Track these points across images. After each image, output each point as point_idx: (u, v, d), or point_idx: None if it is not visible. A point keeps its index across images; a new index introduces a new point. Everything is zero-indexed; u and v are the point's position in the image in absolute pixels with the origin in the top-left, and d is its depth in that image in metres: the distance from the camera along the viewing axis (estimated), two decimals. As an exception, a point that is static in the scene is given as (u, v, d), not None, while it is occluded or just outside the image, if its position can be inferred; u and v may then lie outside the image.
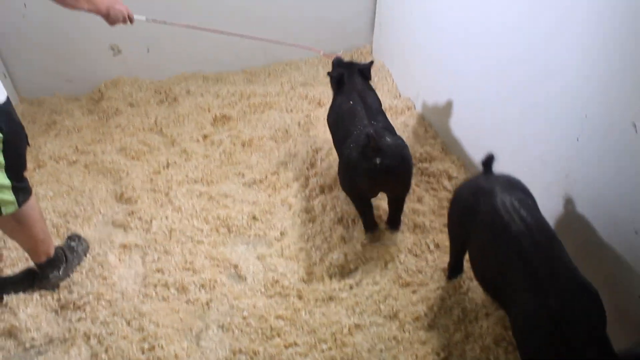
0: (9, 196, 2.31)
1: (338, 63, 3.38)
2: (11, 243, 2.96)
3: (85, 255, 2.91)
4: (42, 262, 2.67)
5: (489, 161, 2.31)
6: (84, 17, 4.15)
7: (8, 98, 2.22)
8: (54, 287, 2.72)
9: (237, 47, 4.69)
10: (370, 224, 2.92)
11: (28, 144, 2.45)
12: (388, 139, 2.66)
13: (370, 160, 2.57)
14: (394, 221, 2.95)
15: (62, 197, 3.35)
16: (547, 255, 1.91)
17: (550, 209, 2.52)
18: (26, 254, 2.88)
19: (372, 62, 3.35)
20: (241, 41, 4.08)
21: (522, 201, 2.09)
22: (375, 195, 2.87)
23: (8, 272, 2.83)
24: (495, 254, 2.06)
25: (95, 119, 4.23)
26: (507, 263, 1.97)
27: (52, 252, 2.69)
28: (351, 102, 3.01)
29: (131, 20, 2.89)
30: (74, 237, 2.96)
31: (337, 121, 3.07)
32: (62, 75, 4.51)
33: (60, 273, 2.73)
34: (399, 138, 2.80)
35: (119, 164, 3.63)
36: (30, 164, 3.63)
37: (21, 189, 2.38)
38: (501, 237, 2.01)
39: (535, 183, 2.60)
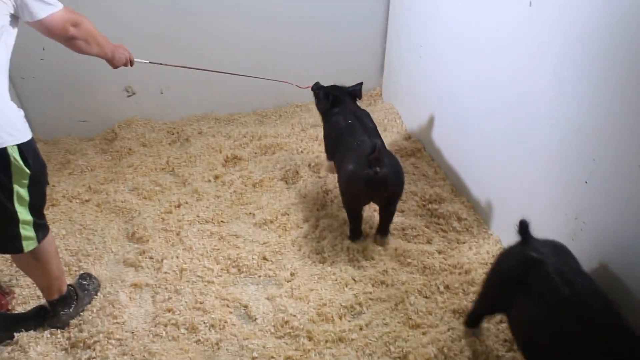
0: (31, 232, 2.36)
1: (321, 87, 3.73)
2: (24, 281, 2.99)
3: (96, 294, 2.92)
4: (54, 300, 2.68)
5: (524, 228, 2.21)
6: (100, 60, 4.28)
7: (32, 136, 2.27)
8: (64, 325, 2.73)
9: (248, 89, 4.76)
10: (357, 232, 3.22)
11: (47, 182, 2.49)
12: (386, 153, 3.03)
13: (372, 169, 2.85)
14: (384, 229, 3.20)
15: (74, 235, 3.38)
16: (608, 322, 1.85)
17: (560, 251, 2.53)
18: (38, 292, 2.90)
19: (361, 83, 3.74)
20: (253, 84, 4.15)
21: (576, 270, 2.05)
22: (368, 203, 3.18)
23: (19, 309, 2.84)
24: (552, 326, 1.96)
25: (108, 158, 4.29)
26: (569, 335, 1.89)
27: (64, 289, 2.71)
28: (349, 120, 3.36)
29: (132, 62, 3.00)
30: (85, 276, 2.98)
31: (339, 137, 3.34)
32: (77, 115, 4.59)
33: (71, 310, 2.75)
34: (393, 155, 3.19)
35: (131, 203, 3.67)
36: (44, 203, 3.68)
37: (41, 226, 2.43)
38: (561, 310, 1.94)
39: (544, 225, 2.62)
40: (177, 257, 3.14)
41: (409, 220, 3.34)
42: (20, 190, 2.23)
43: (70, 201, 3.74)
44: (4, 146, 2.09)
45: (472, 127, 3.34)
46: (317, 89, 3.81)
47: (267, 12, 4.56)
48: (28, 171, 2.21)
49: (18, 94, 4.33)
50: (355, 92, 3.72)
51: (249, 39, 4.64)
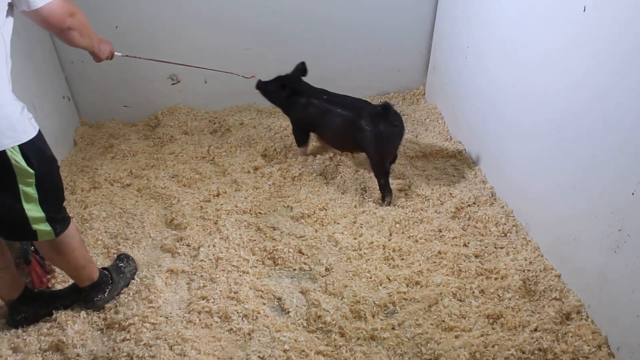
0: (45, 227, 2.33)
1: (267, 81, 3.95)
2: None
3: (133, 277, 2.96)
4: (85, 287, 2.73)
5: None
6: (145, 47, 4.34)
7: (40, 132, 2.22)
8: (99, 309, 2.77)
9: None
10: (389, 187, 3.61)
11: (59, 178, 2.47)
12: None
13: (394, 125, 3.48)
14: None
15: (114, 218, 3.44)
16: None
17: (599, 261, 2.49)
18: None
19: (302, 63, 3.94)
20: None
21: None
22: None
23: (59, 287, 2.90)
24: None
25: (150, 144, 4.35)
26: None
27: (95, 276, 2.74)
28: (324, 96, 3.80)
29: (113, 56, 2.96)
30: (122, 257, 3.02)
31: (321, 114, 3.74)
32: (122, 101, 4.67)
33: (106, 295, 2.79)
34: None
35: (170, 190, 3.71)
36: (86, 185, 3.76)
37: (58, 220, 2.40)
38: None
39: (586, 235, 2.58)
40: (214, 246, 3.17)
41: (446, 222, 3.31)
42: (27, 189, 2.19)
43: (112, 185, 3.80)
44: (1, 149, 2.03)
45: (514, 132, 3.29)
46: (265, 83, 3.96)
47: (314, 13, 4.58)
48: (31, 171, 2.15)
49: (66, 77, 4.42)
50: (302, 71, 3.94)
51: (296, 40, 4.67)
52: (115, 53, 2.99)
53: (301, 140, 4.09)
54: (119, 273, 2.89)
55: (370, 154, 3.59)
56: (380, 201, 3.58)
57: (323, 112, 3.74)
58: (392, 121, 3.47)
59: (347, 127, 3.60)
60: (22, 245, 2.91)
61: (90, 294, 2.73)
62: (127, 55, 3.25)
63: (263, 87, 3.95)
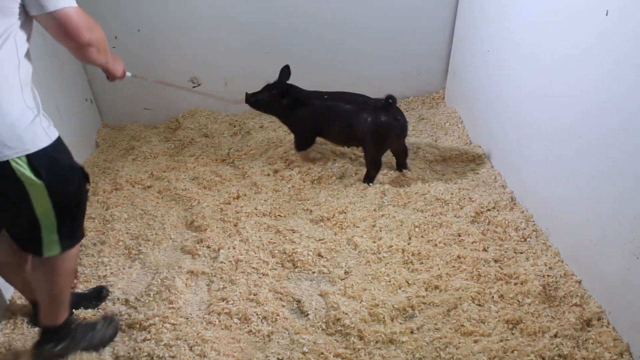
0: (54, 236, 2.15)
1: (258, 92, 3.93)
2: (86, 260, 3.11)
3: (103, 346, 2.60)
4: (43, 326, 2.45)
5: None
6: (168, 49, 4.39)
7: (57, 141, 2.08)
8: (45, 358, 2.48)
9: (311, 86, 4.77)
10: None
11: (88, 181, 2.29)
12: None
13: (396, 119, 3.63)
14: (405, 163, 3.99)
15: (135, 220, 3.48)
16: None
17: (620, 267, 2.47)
18: (99, 272, 3.01)
19: (286, 65, 3.93)
20: (315, 81, 4.17)
21: None
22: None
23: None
24: None
25: (171, 147, 4.39)
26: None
27: (59, 321, 2.43)
28: (325, 96, 3.85)
29: (124, 75, 2.84)
30: (107, 318, 2.70)
31: (325, 113, 3.80)
32: (143, 103, 4.73)
33: (58, 349, 2.45)
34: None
35: (191, 192, 3.74)
36: (108, 186, 3.80)
37: (68, 235, 2.21)
38: None
39: (608, 241, 2.57)
40: (234, 248, 3.20)
41: (465, 226, 3.31)
42: (39, 200, 2.03)
43: (133, 186, 3.85)
44: (3, 160, 1.90)
45: (534, 136, 3.28)
46: (255, 95, 3.92)
47: (335, 17, 4.61)
48: (39, 182, 1.98)
49: (89, 80, 4.48)
50: (287, 75, 3.94)
51: (316, 44, 4.71)
52: (128, 73, 2.93)
53: (305, 144, 4.09)
54: (85, 334, 2.56)
55: (367, 144, 3.75)
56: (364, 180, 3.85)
57: (328, 112, 3.78)
58: (395, 115, 3.63)
59: (352, 120, 3.69)
60: None
61: (43, 336, 2.45)
62: (135, 76, 3.13)
63: (253, 100, 3.91)
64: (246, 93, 3.88)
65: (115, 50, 4.35)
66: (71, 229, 2.22)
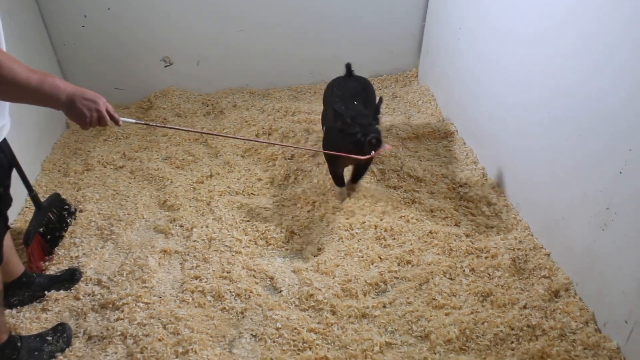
0: None
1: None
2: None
3: (54, 357, 2.42)
4: None
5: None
6: (139, 29, 4.34)
7: None
8: None
9: (284, 64, 4.80)
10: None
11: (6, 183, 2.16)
12: None
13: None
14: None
15: (107, 200, 3.45)
16: None
17: (587, 240, 2.51)
18: (71, 252, 2.98)
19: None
20: (288, 59, 4.17)
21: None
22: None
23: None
24: None
25: (143, 127, 4.35)
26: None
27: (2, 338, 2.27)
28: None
29: (117, 122, 2.12)
30: (58, 329, 2.51)
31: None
32: (115, 83, 4.66)
33: None
34: None
35: (163, 171, 3.73)
36: (79, 167, 3.77)
37: None
38: None
39: (574, 213, 2.61)
40: (207, 227, 3.19)
41: (437, 202, 3.33)
42: None
43: (105, 167, 3.82)
44: None
45: (506, 113, 3.31)
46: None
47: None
48: None
49: (58, 59, 4.40)
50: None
51: (289, 22, 4.65)
52: (124, 120, 2.20)
53: (342, 178, 3.43)
54: (32, 353, 2.36)
55: None
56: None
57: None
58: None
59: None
60: (28, 226, 2.90)
61: None
62: (136, 122, 2.34)
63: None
64: (376, 138, 2.85)
65: (85, 29, 4.29)
66: None
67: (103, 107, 1.98)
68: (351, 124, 2.92)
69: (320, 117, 4.27)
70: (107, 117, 2.01)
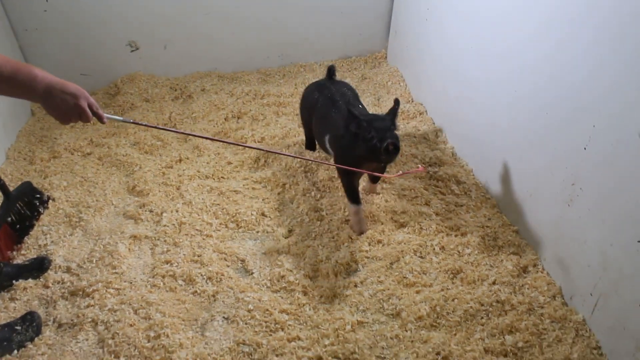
0: None
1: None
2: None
3: (23, 345, 2.37)
4: None
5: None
6: (104, 12, 4.26)
7: None
8: None
9: (253, 47, 4.76)
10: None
11: None
12: None
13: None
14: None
15: (75, 187, 3.41)
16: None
17: (553, 216, 2.55)
18: (40, 241, 2.95)
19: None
20: (256, 42, 4.13)
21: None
22: None
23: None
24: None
25: (110, 113, 4.29)
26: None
27: None
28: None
29: (101, 119, 2.03)
30: (26, 318, 2.44)
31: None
32: (80, 69, 4.58)
33: None
34: None
35: (132, 157, 3.69)
36: (45, 154, 3.71)
37: None
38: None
39: (541, 190, 2.65)
40: (177, 211, 3.17)
41: (408, 182, 3.35)
42: None
43: (72, 154, 3.77)
44: None
45: (473, 92, 3.33)
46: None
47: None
48: None
49: (20, 45, 4.31)
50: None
51: (257, 3, 4.60)
52: (109, 116, 2.10)
53: (357, 193, 3.03)
54: (2, 342, 2.31)
55: None
56: None
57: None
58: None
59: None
60: None
61: None
62: (124, 120, 2.28)
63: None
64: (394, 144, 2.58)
65: (47, 14, 4.21)
66: None
67: (84, 101, 1.89)
68: (367, 127, 2.66)
69: (289, 100, 4.27)
70: (89, 113, 1.92)
